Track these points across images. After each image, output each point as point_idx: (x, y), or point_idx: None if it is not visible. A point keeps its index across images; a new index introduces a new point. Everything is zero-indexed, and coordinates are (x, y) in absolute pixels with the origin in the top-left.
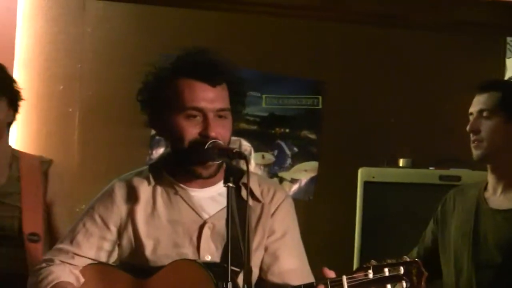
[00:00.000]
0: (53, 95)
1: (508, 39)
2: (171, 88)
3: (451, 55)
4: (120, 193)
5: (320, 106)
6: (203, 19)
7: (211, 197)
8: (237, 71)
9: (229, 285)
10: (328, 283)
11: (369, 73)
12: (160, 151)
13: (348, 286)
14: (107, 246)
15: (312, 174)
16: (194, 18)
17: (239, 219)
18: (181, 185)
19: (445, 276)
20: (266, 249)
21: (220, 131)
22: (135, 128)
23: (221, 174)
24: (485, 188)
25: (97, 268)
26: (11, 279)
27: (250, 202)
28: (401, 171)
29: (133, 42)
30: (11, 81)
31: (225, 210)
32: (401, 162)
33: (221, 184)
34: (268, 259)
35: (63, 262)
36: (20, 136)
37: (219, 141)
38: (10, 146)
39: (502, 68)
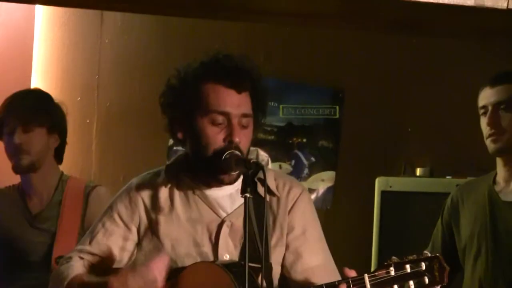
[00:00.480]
0: (71, 105)
1: None
2: (196, 92)
3: (469, 63)
4: (138, 192)
5: (337, 116)
6: (221, 29)
7: (228, 195)
8: (261, 79)
9: None
10: (350, 282)
11: (387, 82)
12: None
13: (370, 285)
14: (127, 245)
15: (330, 184)
16: (212, 28)
17: (256, 216)
18: (199, 185)
19: (467, 274)
20: (287, 247)
21: (242, 139)
22: (152, 138)
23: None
24: (494, 182)
25: (114, 271)
26: None
27: (267, 197)
28: (418, 180)
29: (151, 53)
30: (49, 108)
31: (242, 207)
32: (418, 171)
33: (238, 181)
34: (291, 257)
35: (83, 259)
36: None
37: (237, 152)
38: (58, 171)
39: None
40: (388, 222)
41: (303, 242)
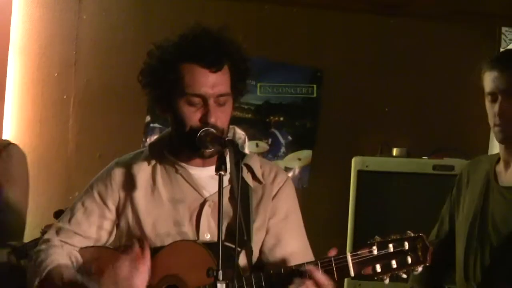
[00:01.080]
0: (48, 81)
1: (503, 29)
2: (173, 72)
3: (447, 45)
4: (119, 172)
5: (315, 95)
6: (200, 6)
7: (211, 176)
8: (240, 51)
9: (220, 273)
10: (332, 260)
11: (365, 63)
12: (154, 138)
13: (353, 263)
14: (106, 225)
15: (306, 163)
16: (190, 5)
17: (240, 199)
18: (182, 164)
19: (457, 255)
20: (267, 231)
21: (220, 117)
22: (130, 116)
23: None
24: (498, 161)
25: (96, 250)
26: None
27: (252, 183)
28: (395, 160)
29: (129, 29)
30: None
31: (227, 188)
32: (395, 151)
33: None
34: (271, 241)
35: (62, 241)
36: (15, 122)
37: (212, 130)
38: None
39: None
40: (364, 201)
41: (284, 227)
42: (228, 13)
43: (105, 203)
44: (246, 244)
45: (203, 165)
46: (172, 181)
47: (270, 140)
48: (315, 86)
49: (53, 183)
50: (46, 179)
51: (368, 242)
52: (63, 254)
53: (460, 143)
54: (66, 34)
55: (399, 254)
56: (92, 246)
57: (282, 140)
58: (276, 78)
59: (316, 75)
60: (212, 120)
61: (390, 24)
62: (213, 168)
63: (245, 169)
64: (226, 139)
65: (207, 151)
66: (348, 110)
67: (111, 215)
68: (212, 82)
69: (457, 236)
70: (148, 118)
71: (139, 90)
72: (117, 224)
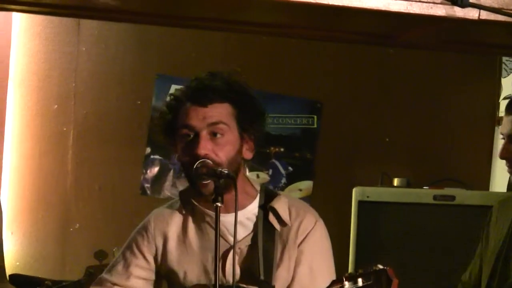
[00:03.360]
0: (47, 114)
1: (504, 58)
2: (176, 116)
3: (447, 75)
4: (155, 223)
5: (315, 126)
6: (199, 38)
7: (238, 222)
8: (246, 90)
9: None
10: None
11: (365, 93)
12: (154, 170)
13: None
14: (144, 275)
15: (307, 194)
16: (189, 37)
17: (263, 243)
18: (207, 210)
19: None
20: (293, 278)
21: (214, 149)
22: (129, 148)
23: (247, 199)
24: None
25: None
26: None
27: (278, 226)
28: (395, 190)
29: (128, 61)
30: None
31: (251, 235)
32: (395, 181)
33: (248, 208)
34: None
35: None
36: (15, 154)
37: (208, 161)
38: None
39: (498, 87)
40: (365, 231)
41: (309, 281)
42: (226, 45)
43: (142, 254)
44: (263, 285)
45: (227, 211)
46: (202, 229)
47: (270, 171)
48: (315, 117)
49: (52, 216)
50: (44, 212)
51: (339, 278)
52: None
53: (461, 173)
54: (65, 67)
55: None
56: None
57: (282, 171)
58: (276, 109)
59: (316, 106)
60: (201, 151)
61: (389, 55)
62: (239, 213)
63: (270, 213)
64: (222, 171)
65: (204, 182)
66: (348, 140)
67: (148, 265)
68: (203, 115)
69: (484, 270)
70: (148, 150)
71: (138, 122)
72: (157, 272)
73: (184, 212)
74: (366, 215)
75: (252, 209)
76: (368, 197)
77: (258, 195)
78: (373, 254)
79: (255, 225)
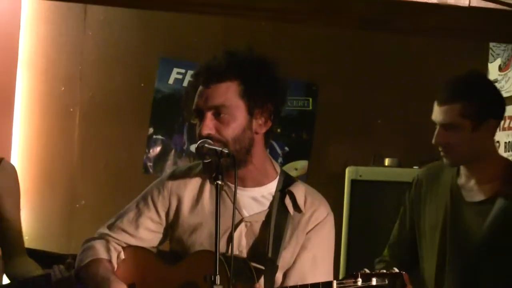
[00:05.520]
0: (54, 95)
1: (491, 44)
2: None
3: (437, 59)
4: (172, 181)
5: (311, 108)
6: (200, 23)
7: (253, 197)
8: (257, 67)
9: (217, 278)
10: (320, 286)
11: (358, 76)
12: (156, 150)
13: None
14: (154, 227)
15: (303, 173)
16: (191, 22)
17: (275, 224)
18: (228, 182)
19: (426, 265)
20: (294, 262)
21: (219, 128)
22: (133, 128)
23: (265, 177)
24: (458, 173)
25: (136, 250)
26: None
27: (292, 210)
28: (387, 170)
29: (132, 45)
30: None
31: (265, 212)
32: (387, 161)
33: (267, 187)
34: (295, 274)
35: (111, 236)
36: (23, 134)
37: (209, 141)
38: None
39: (485, 72)
40: (358, 209)
41: (310, 268)
42: (226, 29)
43: (156, 207)
44: (269, 263)
45: (243, 186)
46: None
47: (268, 151)
48: (310, 99)
49: (59, 192)
50: (52, 188)
51: (354, 273)
52: (104, 248)
53: None
54: (72, 50)
55: None
56: (136, 246)
57: (279, 151)
58: None
59: (312, 88)
60: (204, 131)
61: (383, 40)
62: (255, 189)
63: (287, 196)
64: (222, 150)
65: (206, 161)
66: (342, 122)
67: (159, 219)
68: (206, 96)
69: (424, 244)
70: (151, 130)
71: (142, 104)
72: (166, 228)
73: (203, 177)
74: (358, 194)
75: (269, 189)
76: (360, 176)
77: (278, 177)
78: (365, 231)
79: (271, 204)
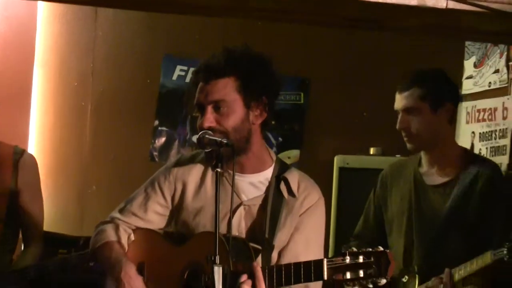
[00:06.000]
0: (68, 90)
1: (466, 43)
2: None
3: (418, 57)
4: (177, 168)
5: (302, 102)
6: (201, 23)
7: (251, 183)
8: (252, 63)
9: (217, 258)
10: (312, 264)
11: (346, 73)
12: (161, 140)
13: (327, 268)
14: (161, 210)
15: (295, 161)
16: (192, 22)
17: (272, 207)
18: (228, 170)
19: (394, 245)
20: (288, 242)
21: (219, 120)
22: (140, 120)
23: (262, 164)
24: (419, 164)
25: (145, 232)
26: None
27: (286, 195)
28: (371, 158)
29: (139, 44)
30: None
31: (262, 196)
32: (372, 150)
33: (263, 173)
34: (288, 254)
35: (121, 220)
36: (39, 126)
37: (209, 132)
38: None
39: (461, 68)
40: (345, 194)
41: (303, 248)
42: (225, 28)
43: (162, 192)
44: (266, 243)
45: (242, 172)
46: (220, 183)
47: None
48: (302, 94)
49: (72, 180)
50: (66, 176)
51: (343, 252)
52: (115, 230)
53: None
54: (84, 49)
55: (366, 266)
56: (145, 229)
57: (273, 141)
58: None
59: (304, 83)
60: (205, 124)
61: (370, 38)
62: (253, 176)
63: (282, 182)
64: (222, 141)
65: (206, 151)
66: (331, 114)
67: (166, 203)
68: (206, 91)
69: (392, 229)
70: (156, 122)
71: (148, 98)
72: (171, 211)
73: (205, 164)
74: (346, 180)
75: (265, 175)
76: (347, 164)
77: (273, 164)
78: (352, 213)
79: (267, 189)
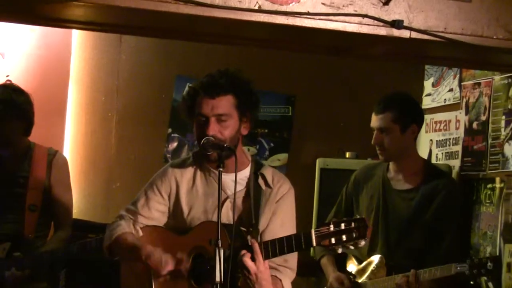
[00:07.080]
0: (97, 103)
1: (426, 66)
2: (193, 103)
3: (385, 78)
4: (171, 171)
5: (290, 114)
6: (206, 48)
7: (232, 179)
8: (246, 85)
9: (219, 242)
10: (302, 235)
11: (327, 90)
12: (174, 145)
13: (315, 236)
14: (161, 208)
15: (284, 163)
16: (200, 48)
17: (254, 197)
18: (211, 168)
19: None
20: (268, 225)
21: (220, 130)
22: (156, 128)
23: (242, 164)
24: (388, 169)
25: (151, 228)
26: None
27: (264, 187)
28: (348, 161)
29: (156, 65)
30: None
31: (244, 190)
32: (348, 154)
33: (243, 172)
34: (267, 234)
35: (130, 217)
36: (73, 133)
37: (213, 137)
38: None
39: (422, 87)
40: (325, 192)
41: (279, 229)
42: (227, 53)
43: (160, 192)
44: (254, 227)
45: (226, 172)
46: (207, 182)
47: (258, 146)
48: (290, 107)
49: (100, 177)
50: (94, 174)
51: (327, 222)
52: (129, 225)
53: None
54: (110, 69)
55: (348, 231)
56: (151, 225)
57: (266, 146)
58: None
59: (291, 99)
60: (209, 132)
61: (346, 62)
62: (233, 174)
63: (260, 177)
64: (224, 145)
65: (209, 153)
66: (314, 124)
67: (164, 201)
68: (212, 105)
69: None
70: (169, 130)
71: (163, 110)
72: (169, 207)
73: (194, 167)
74: (326, 179)
75: (245, 172)
76: (327, 165)
77: (250, 163)
78: (330, 206)
79: (247, 184)
